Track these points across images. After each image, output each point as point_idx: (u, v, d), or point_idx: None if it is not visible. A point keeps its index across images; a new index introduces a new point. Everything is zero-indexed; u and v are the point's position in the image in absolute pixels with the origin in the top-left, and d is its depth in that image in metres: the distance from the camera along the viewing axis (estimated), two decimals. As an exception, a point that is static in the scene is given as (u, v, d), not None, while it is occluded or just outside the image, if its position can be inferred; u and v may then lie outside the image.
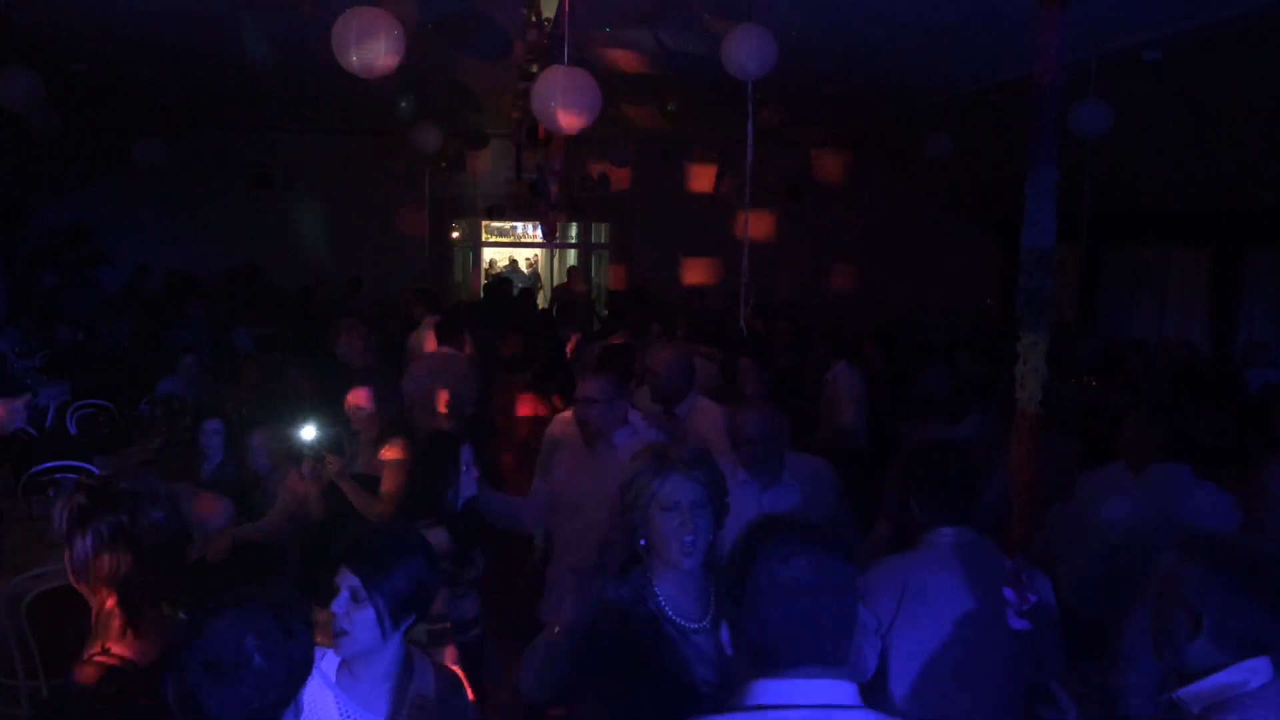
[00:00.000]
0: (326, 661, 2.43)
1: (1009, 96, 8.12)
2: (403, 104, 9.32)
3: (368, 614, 2.36)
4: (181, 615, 2.36)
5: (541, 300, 15.73)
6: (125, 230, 13.15)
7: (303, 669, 1.96)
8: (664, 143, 13.69)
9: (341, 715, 2.39)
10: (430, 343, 8.01)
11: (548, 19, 6.53)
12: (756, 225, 12.89)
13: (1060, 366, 7.49)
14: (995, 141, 9.62)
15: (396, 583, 2.40)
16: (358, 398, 4.98)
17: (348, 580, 2.38)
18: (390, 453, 4.79)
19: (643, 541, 2.62)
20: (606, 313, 12.36)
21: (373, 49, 5.14)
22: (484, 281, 16.26)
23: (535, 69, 6.85)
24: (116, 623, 2.28)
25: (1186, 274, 11.23)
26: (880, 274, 14.50)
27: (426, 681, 2.48)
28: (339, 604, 2.35)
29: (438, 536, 3.62)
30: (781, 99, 9.46)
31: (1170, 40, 6.53)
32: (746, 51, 5.74)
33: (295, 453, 5.07)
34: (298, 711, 1.98)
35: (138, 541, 2.27)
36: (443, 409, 6.62)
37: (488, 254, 18.33)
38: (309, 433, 4.56)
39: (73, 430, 7.88)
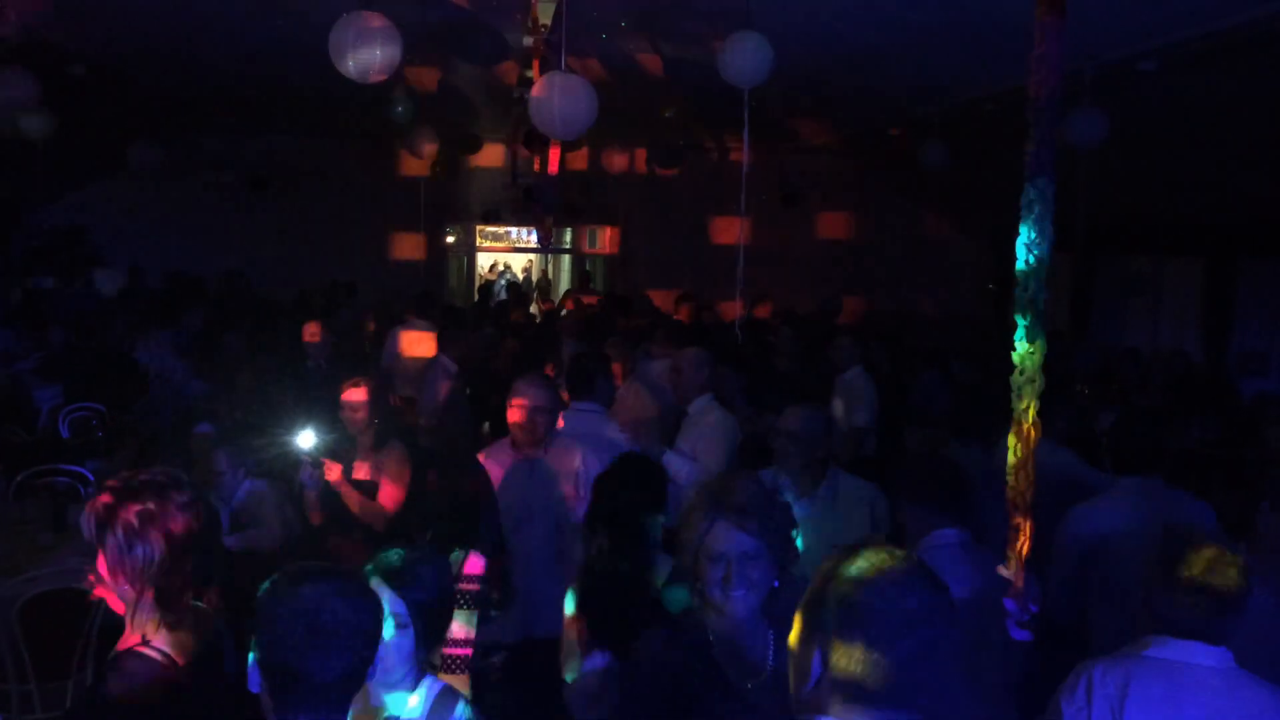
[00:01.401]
0: None
1: (1005, 106, 8.14)
2: (399, 108, 9.31)
3: (406, 640, 2.38)
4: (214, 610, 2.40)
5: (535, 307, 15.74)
6: (120, 232, 13.11)
7: (380, 628, 2.03)
8: (661, 147, 13.69)
9: None
10: (412, 345, 8.07)
11: (544, 25, 6.54)
12: (751, 231, 12.89)
13: (1053, 376, 7.46)
14: (991, 150, 9.64)
15: (435, 608, 2.44)
16: (354, 395, 4.79)
17: (388, 602, 2.35)
18: (390, 463, 4.74)
19: (696, 584, 2.41)
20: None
21: (370, 54, 5.14)
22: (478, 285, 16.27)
23: (532, 75, 6.86)
24: (154, 616, 2.27)
25: (1180, 283, 11.26)
26: (875, 281, 14.51)
27: (424, 703, 2.44)
28: None
29: (476, 562, 3.60)
30: (779, 106, 9.47)
31: (1165, 50, 6.55)
32: (743, 59, 5.75)
33: (276, 462, 5.02)
34: (373, 672, 2.02)
35: (167, 528, 2.26)
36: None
37: (484, 258, 18.39)
38: (307, 438, 4.51)
39: (65, 433, 7.86)
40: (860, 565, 1.66)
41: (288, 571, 2.00)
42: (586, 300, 11.95)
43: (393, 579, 2.43)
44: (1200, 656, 2.44)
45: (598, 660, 2.92)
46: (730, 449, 5.15)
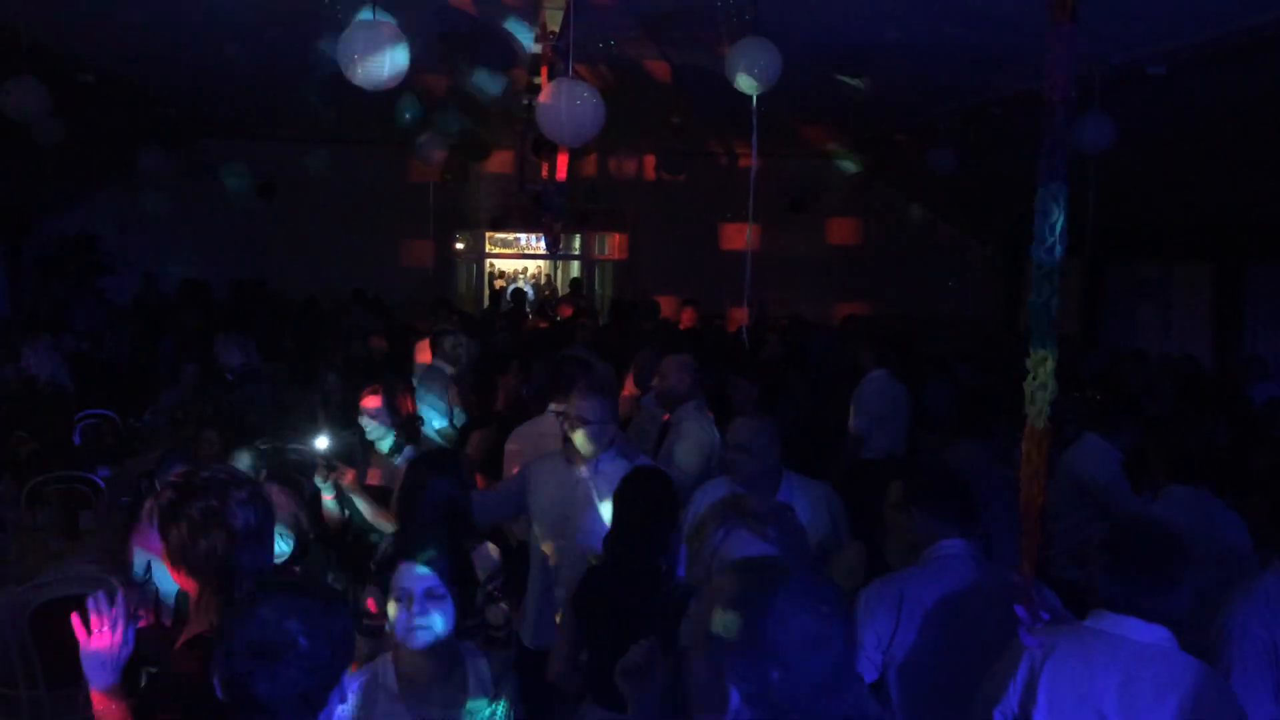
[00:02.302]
0: (385, 671, 2.62)
1: (1013, 110, 8.14)
2: (407, 115, 9.34)
3: (446, 606, 2.55)
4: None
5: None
6: (131, 240, 13.16)
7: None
8: (668, 154, 13.71)
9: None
10: (424, 354, 8.07)
11: (553, 32, 6.56)
12: (759, 238, 12.93)
13: (1064, 380, 7.41)
14: (1000, 155, 9.64)
15: (462, 577, 2.64)
16: (370, 402, 4.85)
17: (422, 580, 2.55)
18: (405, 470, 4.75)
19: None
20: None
21: (378, 61, 5.15)
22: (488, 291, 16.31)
23: (540, 82, 6.88)
24: (215, 604, 2.37)
25: (1190, 288, 11.23)
26: (884, 287, 14.50)
27: (480, 668, 2.64)
28: (418, 603, 2.53)
29: (486, 552, 3.63)
30: (786, 111, 9.47)
31: (1173, 54, 6.54)
32: (751, 64, 5.75)
33: (289, 467, 5.02)
34: (343, 695, 2.02)
35: (229, 523, 2.37)
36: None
37: (504, 265, 18.53)
38: (322, 443, 4.54)
39: (76, 440, 7.88)
40: (757, 588, 1.62)
41: (260, 585, 2.02)
42: (564, 313, 11.75)
43: (419, 554, 2.58)
44: (1136, 633, 2.54)
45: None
46: (708, 458, 4.92)
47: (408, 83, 5.58)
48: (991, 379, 7.98)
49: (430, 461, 3.98)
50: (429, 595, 2.53)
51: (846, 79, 8.30)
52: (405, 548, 2.64)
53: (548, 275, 19.91)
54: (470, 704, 2.58)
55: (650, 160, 14.06)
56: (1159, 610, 2.56)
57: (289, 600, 1.93)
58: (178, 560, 2.39)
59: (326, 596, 2.00)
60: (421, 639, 2.53)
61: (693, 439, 4.97)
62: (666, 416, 5.54)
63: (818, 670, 1.55)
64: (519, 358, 7.01)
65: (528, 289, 17.94)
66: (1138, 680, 2.49)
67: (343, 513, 4.68)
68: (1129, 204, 9.99)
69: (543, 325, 11.17)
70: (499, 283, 18.53)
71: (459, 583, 2.62)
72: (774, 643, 1.54)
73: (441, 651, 2.58)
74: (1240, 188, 9.01)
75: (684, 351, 5.90)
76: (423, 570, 2.55)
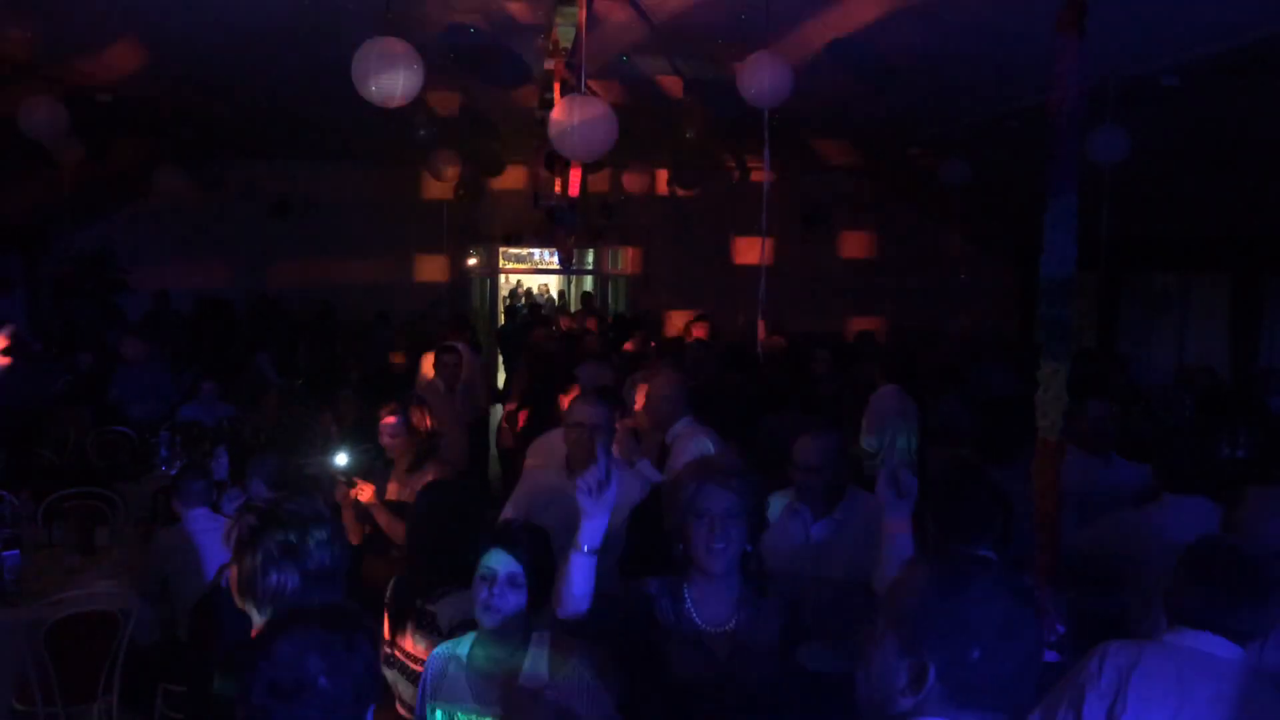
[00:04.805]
0: (465, 644, 2.82)
1: (1026, 123, 8.12)
2: (421, 132, 9.38)
3: (522, 595, 2.72)
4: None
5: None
6: (147, 257, 13.25)
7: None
8: (681, 169, 13.71)
9: (473, 691, 2.74)
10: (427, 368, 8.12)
11: (564, 48, 6.59)
12: (773, 251, 12.90)
13: (1082, 393, 7.34)
14: (1013, 168, 9.62)
15: (544, 568, 2.78)
16: (389, 419, 4.90)
17: (507, 565, 2.73)
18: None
19: (680, 547, 2.76)
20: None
21: (392, 79, 5.18)
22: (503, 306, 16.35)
23: (553, 98, 6.90)
24: None
25: (1206, 299, 11.17)
26: (897, 300, 14.47)
27: (541, 657, 2.74)
28: (498, 586, 2.71)
29: None
30: (799, 125, 9.48)
31: (1187, 66, 6.52)
32: (762, 80, 5.76)
33: (310, 480, 5.06)
34: None
35: (304, 560, 2.34)
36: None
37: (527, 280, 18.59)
38: (341, 458, 4.58)
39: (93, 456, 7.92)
40: (950, 577, 1.68)
41: (281, 616, 1.92)
42: (565, 324, 11.73)
43: (508, 543, 2.74)
44: (1214, 647, 2.58)
45: None
46: None
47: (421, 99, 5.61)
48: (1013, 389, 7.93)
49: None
50: (510, 581, 2.71)
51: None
52: (499, 533, 2.82)
53: (559, 292, 19.96)
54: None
55: (663, 175, 14.08)
56: (1240, 629, 2.60)
57: (310, 635, 1.83)
58: (245, 588, 2.35)
59: (350, 630, 1.88)
60: (492, 619, 2.70)
61: (688, 457, 4.84)
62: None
63: (1014, 655, 1.60)
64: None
65: (520, 305, 17.94)
66: (1229, 699, 2.52)
67: (362, 528, 4.71)
68: (1144, 216, 9.95)
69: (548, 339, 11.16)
70: (523, 299, 18.62)
71: (542, 575, 2.78)
72: (973, 622, 1.59)
73: (511, 635, 2.73)
74: (1255, 199, 8.97)
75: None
76: (510, 558, 2.72)
